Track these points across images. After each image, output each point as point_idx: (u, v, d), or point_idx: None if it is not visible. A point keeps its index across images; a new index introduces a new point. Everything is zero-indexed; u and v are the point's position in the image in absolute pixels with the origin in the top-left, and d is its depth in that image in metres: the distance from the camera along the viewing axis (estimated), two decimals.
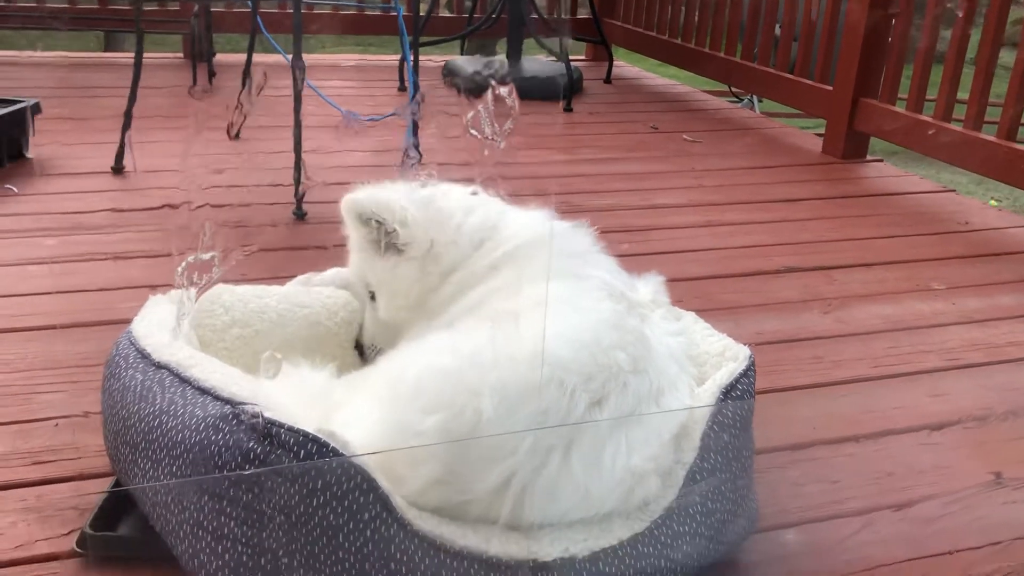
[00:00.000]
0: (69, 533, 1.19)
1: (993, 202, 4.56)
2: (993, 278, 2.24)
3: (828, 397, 1.64)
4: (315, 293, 1.48)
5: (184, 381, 1.07)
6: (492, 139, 0.72)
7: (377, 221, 1.32)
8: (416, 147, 2.43)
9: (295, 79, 2.12)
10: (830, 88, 3.26)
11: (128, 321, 1.73)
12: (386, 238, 1.32)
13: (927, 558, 1.23)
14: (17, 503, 1.24)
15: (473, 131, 0.73)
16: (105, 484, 1.27)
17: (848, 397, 1.65)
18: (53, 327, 1.73)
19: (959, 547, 1.25)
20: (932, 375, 1.74)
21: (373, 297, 1.41)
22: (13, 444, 1.36)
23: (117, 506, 1.21)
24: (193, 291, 0.72)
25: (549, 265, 1.29)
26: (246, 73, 2.87)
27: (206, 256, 0.70)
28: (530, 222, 1.37)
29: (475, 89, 3.60)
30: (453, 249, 1.32)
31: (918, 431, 1.54)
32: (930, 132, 2.84)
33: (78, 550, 1.15)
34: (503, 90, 0.69)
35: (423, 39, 3.27)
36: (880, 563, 1.22)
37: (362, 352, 1.46)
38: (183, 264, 0.69)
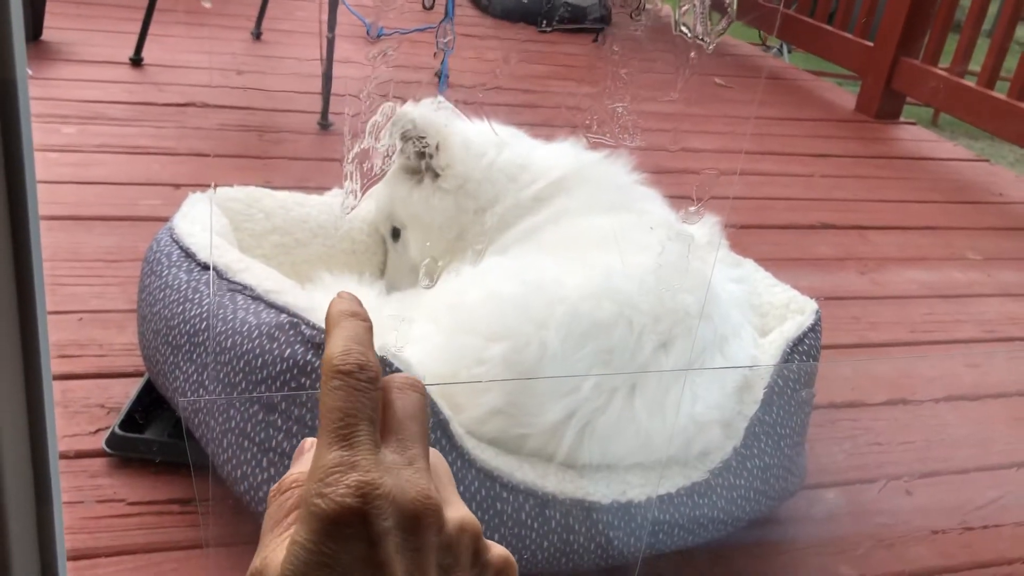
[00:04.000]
0: (96, 432, 1.14)
1: None
2: None
3: (867, 359, 1.61)
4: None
5: (233, 285, 1.02)
6: (702, 39, 0.65)
7: (420, 138, 1.25)
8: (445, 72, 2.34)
9: None
10: (870, 44, 3.18)
11: (151, 218, 1.68)
12: (425, 160, 1.26)
13: (971, 530, 1.21)
14: None
15: (684, 28, 0.66)
16: (132, 383, 1.22)
17: (887, 360, 1.62)
18: (75, 218, 1.66)
19: (1002, 522, 1.23)
20: (969, 345, 1.71)
21: (396, 237, 1.34)
22: None
23: (147, 407, 1.17)
24: (357, 184, 0.66)
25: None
26: None
27: (380, 145, 0.64)
28: (564, 153, 1.31)
29: (505, 13, 3.43)
30: (488, 186, 1.27)
31: (957, 400, 1.51)
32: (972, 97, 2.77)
33: (107, 450, 1.11)
34: None
35: None
36: (920, 529, 1.20)
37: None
38: (354, 150, 0.62)
